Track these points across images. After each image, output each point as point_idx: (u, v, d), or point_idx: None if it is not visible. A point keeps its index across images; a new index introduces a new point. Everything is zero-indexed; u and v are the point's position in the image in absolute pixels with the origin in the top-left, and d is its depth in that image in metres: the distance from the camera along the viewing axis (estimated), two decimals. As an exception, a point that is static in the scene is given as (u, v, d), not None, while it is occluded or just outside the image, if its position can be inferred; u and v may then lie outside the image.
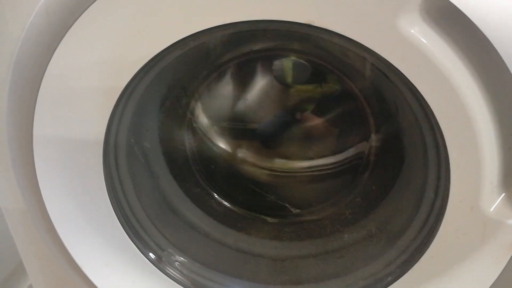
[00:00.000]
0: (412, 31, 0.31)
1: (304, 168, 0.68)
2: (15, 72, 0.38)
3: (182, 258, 0.52)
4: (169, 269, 0.51)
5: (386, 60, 0.33)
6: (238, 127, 0.69)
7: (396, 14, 0.31)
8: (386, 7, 0.31)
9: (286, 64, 0.64)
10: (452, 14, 0.30)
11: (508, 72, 0.31)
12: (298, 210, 0.63)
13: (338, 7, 0.32)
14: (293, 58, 0.63)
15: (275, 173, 0.68)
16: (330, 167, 0.67)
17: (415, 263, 0.42)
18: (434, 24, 0.31)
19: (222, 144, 0.69)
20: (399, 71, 0.33)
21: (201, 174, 0.65)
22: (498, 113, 0.34)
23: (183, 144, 0.65)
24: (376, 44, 0.32)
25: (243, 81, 0.66)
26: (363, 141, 0.63)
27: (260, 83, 0.66)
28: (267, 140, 0.69)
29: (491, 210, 0.37)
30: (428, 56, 0.32)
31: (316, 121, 0.67)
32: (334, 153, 0.66)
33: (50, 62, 0.37)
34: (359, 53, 0.37)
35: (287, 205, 0.63)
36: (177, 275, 0.51)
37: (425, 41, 0.31)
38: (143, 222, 0.51)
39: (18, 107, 0.40)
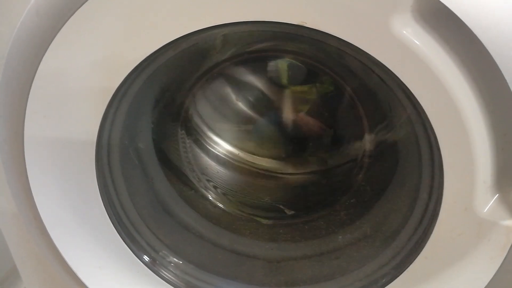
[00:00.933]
0: (405, 32, 0.31)
1: (298, 169, 0.68)
2: (5, 72, 0.38)
3: (177, 260, 0.52)
4: (163, 271, 0.50)
5: (379, 61, 0.33)
6: (232, 128, 0.69)
7: (388, 15, 0.31)
8: (378, 8, 0.31)
9: (281, 65, 0.64)
10: (444, 15, 0.30)
11: (500, 72, 0.31)
12: (293, 212, 0.63)
13: (331, 8, 0.32)
14: (288, 59, 0.63)
15: (269, 174, 0.68)
16: (324, 168, 0.67)
17: (410, 264, 0.42)
18: (427, 25, 0.31)
19: (216, 145, 0.69)
20: (392, 72, 0.33)
21: (195, 175, 0.65)
22: (491, 113, 0.34)
23: (177, 145, 0.64)
24: (368, 45, 0.32)
25: (237, 82, 0.66)
26: (357, 142, 0.63)
27: (254, 84, 0.66)
28: (261, 141, 0.69)
29: (485, 211, 0.37)
30: (420, 57, 0.32)
31: (310, 122, 0.67)
32: (328, 154, 0.66)
33: (41, 62, 0.37)
34: (352, 54, 0.37)
35: (282, 207, 0.63)
36: (172, 277, 0.50)
37: (417, 42, 0.31)
38: (136, 224, 0.50)
39: (8, 107, 0.39)
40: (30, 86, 0.37)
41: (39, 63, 0.36)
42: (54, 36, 0.35)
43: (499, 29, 0.30)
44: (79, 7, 0.34)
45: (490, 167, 0.36)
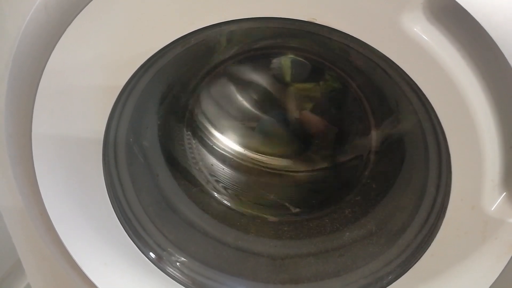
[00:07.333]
0: (415, 29, 0.31)
1: (303, 166, 0.68)
2: (13, 69, 0.38)
3: (182, 258, 0.52)
4: (169, 268, 0.50)
5: (388, 58, 0.33)
6: (238, 126, 0.69)
7: (399, 12, 0.31)
8: (389, 5, 0.31)
9: (285, 62, 0.64)
10: (456, 12, 0.30)
11: (511, 70, 0.31)
12: (297, 209, 0.63)
13: (341, 4, 0.32)
14: (293, 56, 0.62)
15: (274, 171, 0.68)
16: (330, 165, 0.67)
17: (416, 262, 0.42)
18: (437, 22, 0.31)
19: (222, 143, 0.69)
20: (401, 69, 0.33)
21: (200, 173, 0.65)
22: (500, 111, 0.34)
23: (183, 142, 0.64)
24: (378, 42, 0.32)
25: (242, 80, 0.66)
26: (363, 139, 0.63)
27: (260, 82, 0.66)
28: (266, 139, 0.69)
29: (492, 209, 0.37)
30: (431, 55, 0.32)
31: (315, 120, 0.67)
32: (334, 151, 0.66)
33: (49, 59, 0.37)
34: (360, 51, 0.37)
35: (287, 204, 0.63)
36: (177, 274, 0.51)
37: (428, 39, 0.31)
38: (142, 221, 0.50)
39: (16, 104, 0.39)
40: (38, 82, 0.37)
41: (47, 60, 0.36)
42: (63, 32, 0.35)
43: (511, 26, 0.30)
44: (88, 3, 0.34)
45: (498, 165, 0.36)
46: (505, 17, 0.30)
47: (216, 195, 0.64)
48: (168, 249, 0.51)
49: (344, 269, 0.50)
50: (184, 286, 0.50)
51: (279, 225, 0.60)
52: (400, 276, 0.43)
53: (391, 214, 0.51)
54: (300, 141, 0.69)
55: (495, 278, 0.39)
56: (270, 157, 0.69)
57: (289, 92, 0.67)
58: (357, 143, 0.64)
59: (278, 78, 0.65)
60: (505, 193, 0.37)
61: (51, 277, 0.56)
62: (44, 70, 0.37)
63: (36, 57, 0.37)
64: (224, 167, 0.68)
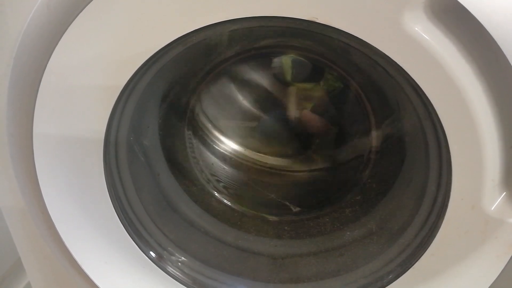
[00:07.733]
0: (416, 28, 0.31)
1: (304, 166, 0.68)
2: (15, 68, 0.38)
3: (183, 257, 0.52)
4: (169, 267, 0.50)
5: (389, 58, 0.33)
6: (238, 125, 0.69)
7: (400, 11, 0.31)
8: (390, 4, 0.31)
9: (286, 62, 0.64)
10: (457, 11, 0.30)
11: (511, 70, 0.31)
12: (298, 208, 0.63)
13: (342, 4, 0.32)
14: (294, 55, 0.63)
15: (275, 171, 0.68)
16: (330, 165, 0.67)
17: (416, 261, 0.42)
18: (438, 21, 0.31)
19: (222, 143, 0.69)
20: (402, 68, 0.33)
21: (201, 172, 0.65)
22: (501, 111, 0.34)
23: (183, 141, 0.64)
24: (379, 41, 0.32)
25: (243, 79, 0.66)
26: (364, 139, 0.63)
27: (260, 81, 0.66)
28: (267, 138, 0.69)
29: (492, 208, 0.37)
30: (431, 54, 0.32)
31: (316, 119, 0.67)
32: (334, 151, 0.67)
33: (51, 58, 0.37)
34: (361, 50, 0.37)
35: (287, 203, 0.63)
36: (177, 273, 0.51)
37: (429, 39, 0.31)
38: (143, 220, 0.50)
39: (18, 104, 0.39)
40: (40, 81, 0.37)
41: (48, 59, 0.36)
42: (64, 32, 0.35)
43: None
44: (89, 3, 0.34)
45: (498, 165, 0.36)
46: (506, 16, 0.30)
47: (216, 195, 0.64)
48: (169, 248, 0.51)
49: (344, 269, 0.50)
50: (184, 285, 0.50)
51: (279, 224, 0.60)
52: (400, 276, 0.43)
53: (391, 213, 0.51)
54: (300, 140, 0.69)
55: (495, 278, 0.39)
56: (271, 156, 0.69)
57: (289, 92, 0.67)
58: (358, 142, 0.65)
59: (278, 78, 0.65)
60: (505, 192, 0.37)
61: (52, 276, 0.56)
62: (46, 70, 0.37)
63: (38, 57, 0.37)
64: (224, 166, 0.68)
